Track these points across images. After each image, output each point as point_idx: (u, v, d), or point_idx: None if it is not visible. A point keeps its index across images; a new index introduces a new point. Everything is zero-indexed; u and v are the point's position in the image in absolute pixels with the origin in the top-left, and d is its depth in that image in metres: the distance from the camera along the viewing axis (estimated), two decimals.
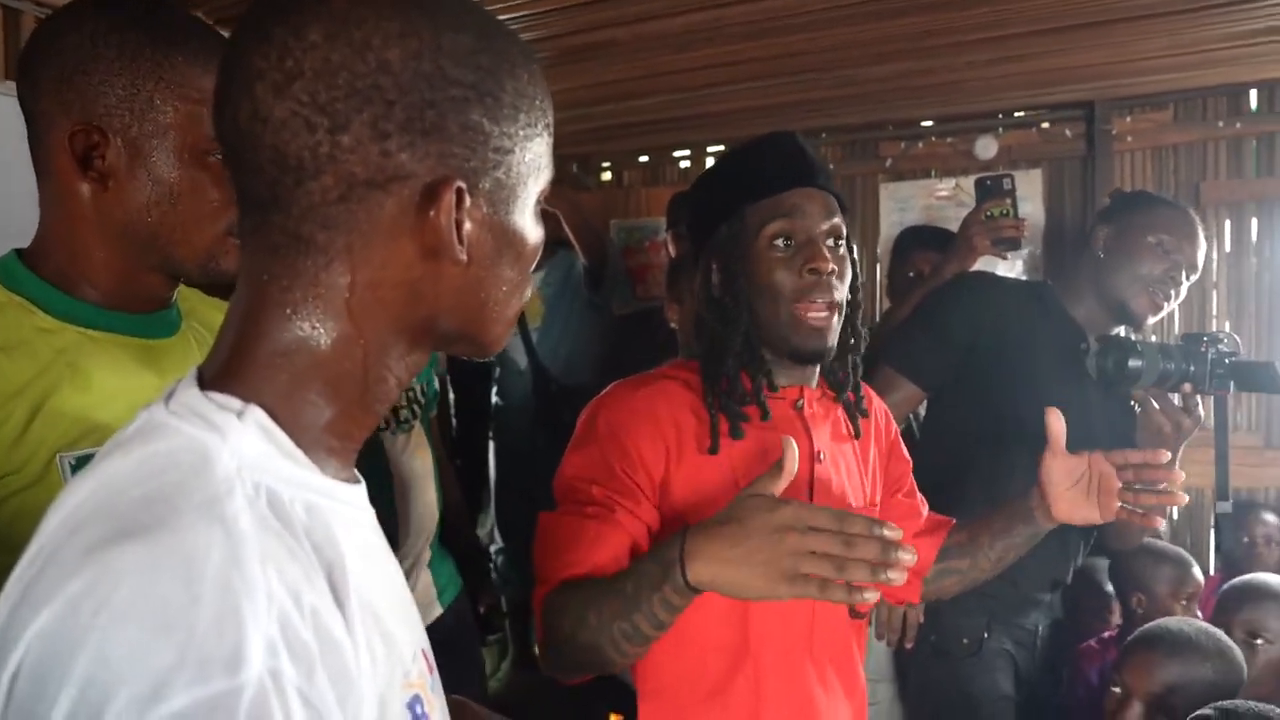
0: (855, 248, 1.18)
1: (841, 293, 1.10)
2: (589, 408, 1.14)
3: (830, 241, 1.10)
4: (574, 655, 0.97)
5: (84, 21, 0.87)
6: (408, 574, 1.62)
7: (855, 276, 1.16)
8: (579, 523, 1.05)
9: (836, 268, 1.08)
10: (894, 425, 1.31)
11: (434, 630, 1.71)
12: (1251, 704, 1.23)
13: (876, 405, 1.28)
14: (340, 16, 0.51)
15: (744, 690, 1.10)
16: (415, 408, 1.69)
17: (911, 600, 1.33)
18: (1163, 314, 1.79)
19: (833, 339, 1.11)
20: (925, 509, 1.32)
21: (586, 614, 0.94)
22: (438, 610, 1.70)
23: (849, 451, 1.19)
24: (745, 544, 0.84)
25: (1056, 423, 1.18)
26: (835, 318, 1.10)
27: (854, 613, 1.16)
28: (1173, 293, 1.74)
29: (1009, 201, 1.87)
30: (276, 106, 0.51)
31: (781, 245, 1.09)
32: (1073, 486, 1.17)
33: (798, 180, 1.10)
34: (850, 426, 1.20)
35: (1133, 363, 1.58)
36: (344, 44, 0.51)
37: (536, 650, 1.05)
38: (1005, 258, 2.00)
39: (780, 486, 0.88)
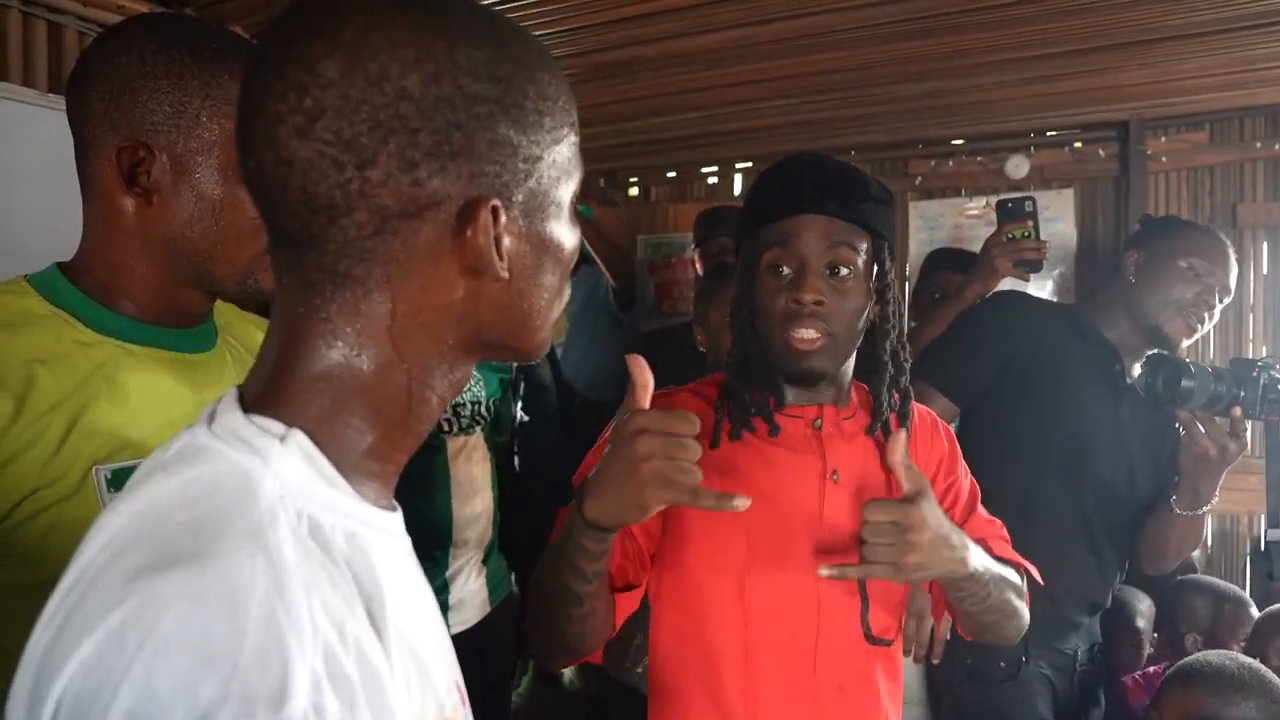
0: (888, 272, 1.15)
1: (837, 321, 1.09)
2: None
3: (830, 270, 1.09)
4: (541, 630, 1.00)
5: (133, 40, 0.88)
6: (459, 573, 1.70)
7: (888, 302, 1.14)
8: None
9: (826, 299, 1.07)
10: (943, 445, 1.24)
11: (479, 627, 1.70)
12: None
13: (924, 429, 1.23)
14: (353, 48, 0.50)
15: (739, 702, 1.10)
16: (480, 417, 1.74)
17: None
18: (1197, 336, 1.79)
19: (825, 362, 1.10)
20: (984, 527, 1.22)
21: (541, 583, 0.96)
22: (488, 609, 1.77)
23: (880, 476, 1.16)
24: (614, 463, 0.85)
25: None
26: (828, 342, 1.09)
27: (871, 638, 1.13)
28: (1206, 316, 1.75)
29: (1031, 224, 1.87)
30: (302, 148, 0.50)
31: (777, 273, 1.11)
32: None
33: (796, 208, 1.10)
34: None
35: (1185, 383, 1.55)
36: (361, 77, 0.49)
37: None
38: (1028, 279, 1.99)
39: (642, 401, 0.87)
